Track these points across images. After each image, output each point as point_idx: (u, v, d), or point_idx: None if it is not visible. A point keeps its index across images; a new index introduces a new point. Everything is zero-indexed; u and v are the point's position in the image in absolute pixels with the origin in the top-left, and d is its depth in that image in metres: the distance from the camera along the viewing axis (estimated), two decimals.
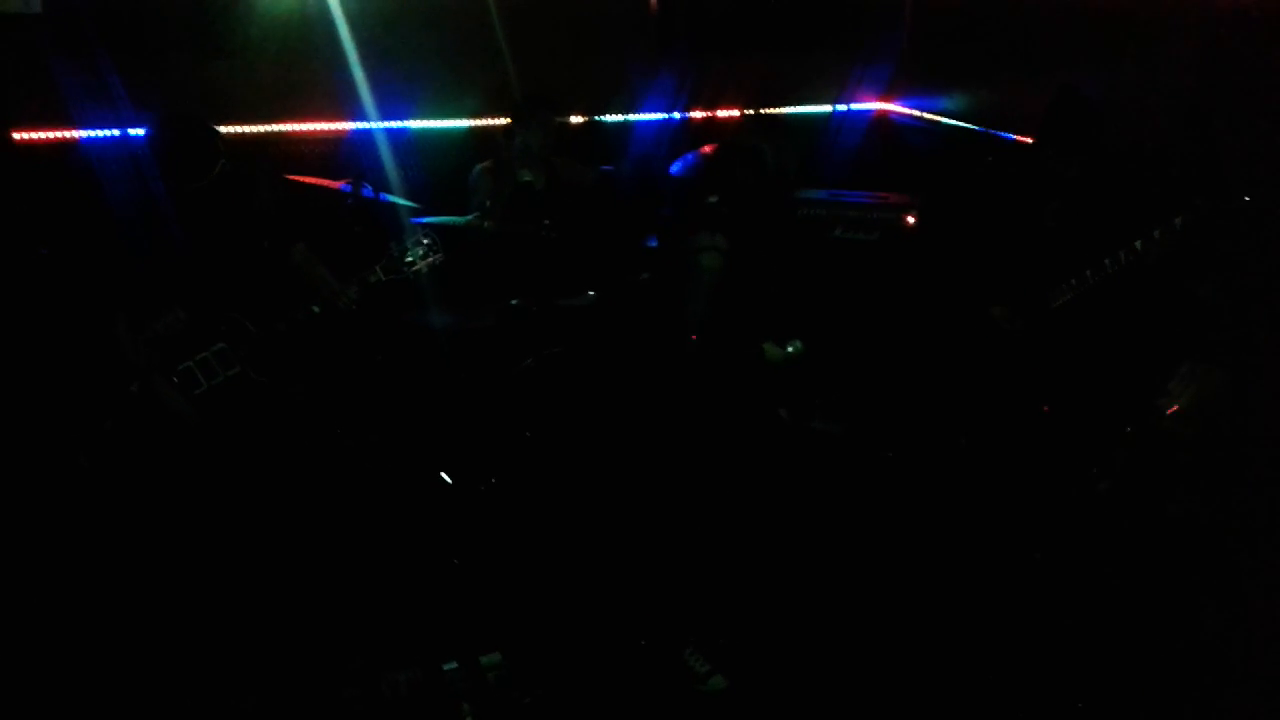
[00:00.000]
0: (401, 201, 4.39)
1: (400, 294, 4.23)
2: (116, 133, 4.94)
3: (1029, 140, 4.39)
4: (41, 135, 4.90)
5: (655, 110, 6.32)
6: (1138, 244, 3.83)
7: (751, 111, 6.03)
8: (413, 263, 3.99)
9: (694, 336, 5.08)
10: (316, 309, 3.87)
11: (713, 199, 5.13)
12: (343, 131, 5.55)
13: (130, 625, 3.39)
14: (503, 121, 5.00)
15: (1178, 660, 3.38)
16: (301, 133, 5.49)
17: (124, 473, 3.64)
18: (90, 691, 3.15)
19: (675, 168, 5.53)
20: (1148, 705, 3.26)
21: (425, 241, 4.01)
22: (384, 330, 4.44)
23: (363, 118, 5.45)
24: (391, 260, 3.97)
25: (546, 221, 4.47)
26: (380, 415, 4.38)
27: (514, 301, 4.70)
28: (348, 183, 4.11)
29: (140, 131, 4.85)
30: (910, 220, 5.41)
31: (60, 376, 3.79)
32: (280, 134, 5.41)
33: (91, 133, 4.94)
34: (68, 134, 4.93)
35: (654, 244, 5.58)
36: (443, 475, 4.22)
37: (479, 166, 4.97)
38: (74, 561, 3.58)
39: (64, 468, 3.61)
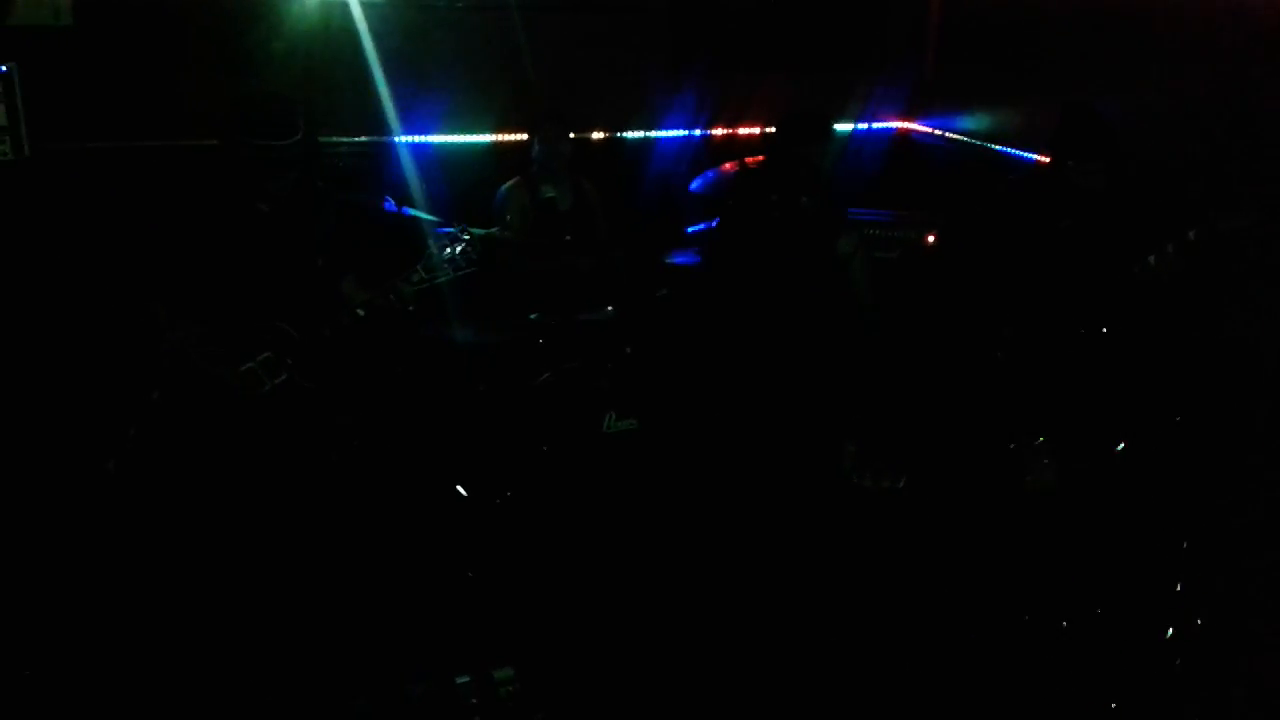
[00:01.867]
0: (425, 215, 4.41)
1: (439, 299, 4.22)
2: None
3: (1047, 160, 4.36)
4: (69, 145, 5.00)
5: (676, 128, 6.35)
6: (1151, 259, 3.81)
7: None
8: (453, 260, 3.93)
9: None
10: (362, 313, 3.84)
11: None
12: (366, 145, 5.62)
13: (143, 629, 3.41)
14: (523, 137, 5.02)
15: (1176, 660, 3.37)
16: (326, 144, 5.56)
17: (150, 478, 3.65)
18: (104, 696, 3.17)
19: (695, 185, 5.54)
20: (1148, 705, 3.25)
21: (466, 238, 3.95)
22: (404, 344, 4.46)
23: (386, 132, 5.51)
24: (431, 259, 3.91)
25: (568, 238, 4.48)
26: (398, 427, 4.40)
27: (533, 316, 4.72)
28: (386, 199, 4.12)
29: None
30: (930, 239, 5.41)
31: (85, 383, 3.82)
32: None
33: (120, 143, 5.05)
34: (95, 144, 5.04)
35: (679, 260, 5.59)
36: (459, 488, 4.23)
37: (506, 184, 5.00)
38: (97, 565, 3.61)
39: (92, 473, 3.63)
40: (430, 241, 3.96)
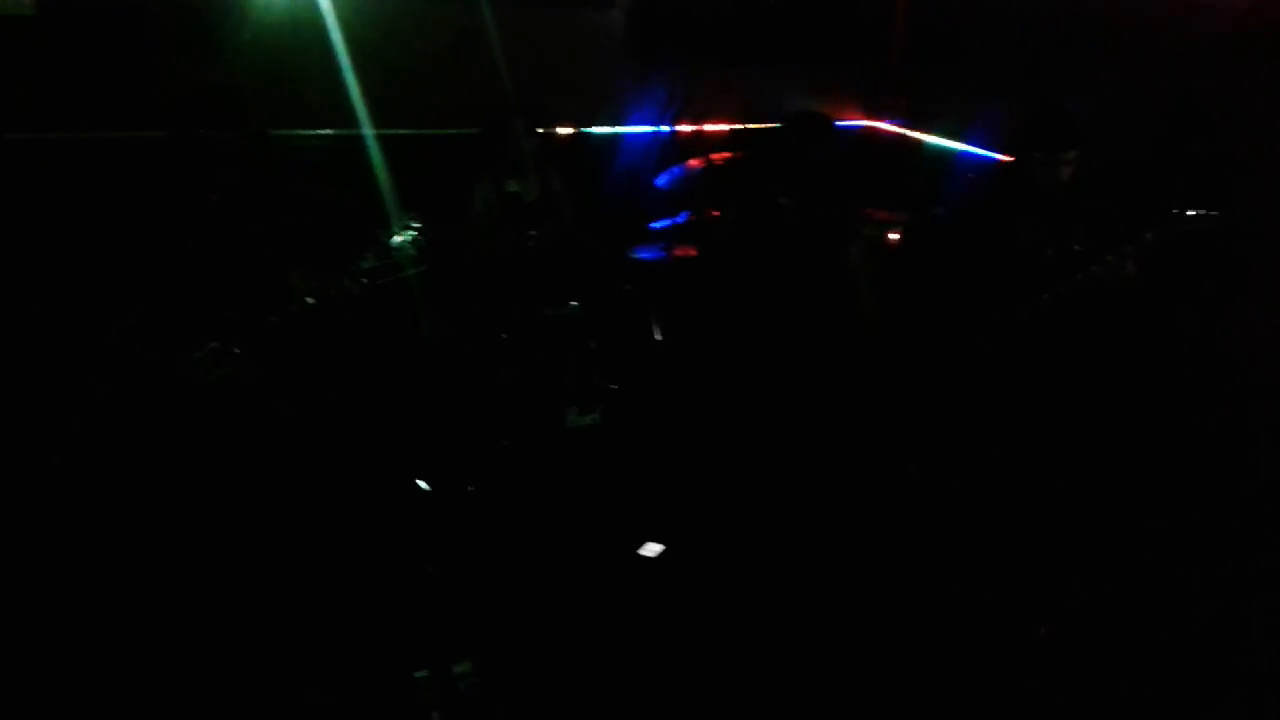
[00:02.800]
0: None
1: (391, 287, 4.21)
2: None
3: (1011, 159, 4.41)
4: (32, 136, 4.95)
5: (642, 123, 6.36)
6: (1109, 258, 3.86)
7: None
8: (401, 248, 3.93)
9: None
10: (311, 300, 3.84)
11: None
12: (332, 137, 5.59)
13: (99, 629, 3.39)
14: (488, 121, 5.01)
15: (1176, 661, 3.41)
16: (291, 138, 5.54)
17: (97, 472, 3.63)
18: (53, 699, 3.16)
19: (662, 181, 5.55)
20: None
21: (414, 227, 3.96)
22: (367, 338, 4.44)
23: (352, 124, 5.49)
24: (382, 246, 3.91)
25: (532, 232, 4.48)
26: (359, 420, 4.38)
27: (498, 310, 4.72)
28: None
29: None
30: (894, 237, 5.44)
31: (28, 377, 3.78)
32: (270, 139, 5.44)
33: (83, 134, 4.99)
34: (58, 135, 4.99)
35: (644, 256, 5.60)
36: (419, 483, 4.23)
37: (472, 178, 4.99)
38: (45, 562, 3.58)
39: (37, 468, 3.60)
40: (380, 231, 3.95)
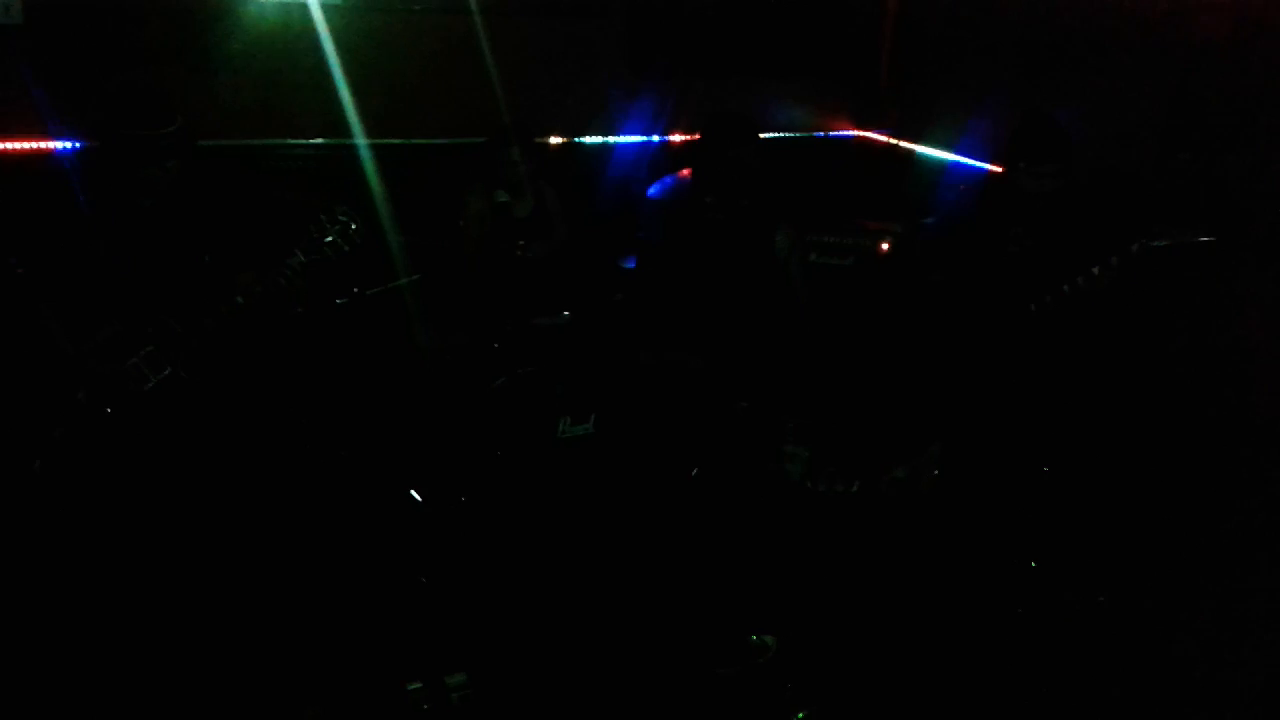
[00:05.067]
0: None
1: (328, 277, 4.15)
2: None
3: (999, 169, 4.43)
4: (18, 146, 4.94)
5: (634, 133, 6.38)
6: (1095, 270, 3.89)
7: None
8: (332, 241, 3.88)
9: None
10: (241, 300, 3.80)
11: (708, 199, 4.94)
12: (324, 147, 5.60)
13: (76, 636, 3.38)
14: (481, 140, 5.03)
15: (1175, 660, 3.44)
16: (283, 147, 5.55)
17: (78, 477, 3.62)
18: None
19: (653, 191, 5.57)
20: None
21: (342, 219, 3.90)
22: (355, 347, 4.45)
23: (345, 134, 5.49)
24: (310, 241, 3.87)
25: (521, 242, 4.50)
26: (350, 431, 4.39)
27: (489, 320, 4.72)
28: None
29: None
30: (884, 247, 5.47)
31: (8, 384, 3.78)
32: (261, 148, 5.45)
33: (68, 144, 4.98)
34: (44, 145, 4.98)
35: (631, 265, 5.62)
36: (412, 493, 4.23)
37: (465, 189, 5.00)
38: (26, 567, 3.57)
39: (18, 474, 3.59)
40: (310, 225, 3.89)
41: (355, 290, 4.07)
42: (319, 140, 5.64)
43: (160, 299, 3.71)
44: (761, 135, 5.23)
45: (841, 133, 7.04)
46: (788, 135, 6.86)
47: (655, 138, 6.43)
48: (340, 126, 5.44)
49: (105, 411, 3.62)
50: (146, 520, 3.67)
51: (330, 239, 3.86)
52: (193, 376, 3.75)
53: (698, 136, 5.38)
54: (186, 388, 3.74)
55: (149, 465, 3.70)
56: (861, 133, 7.07)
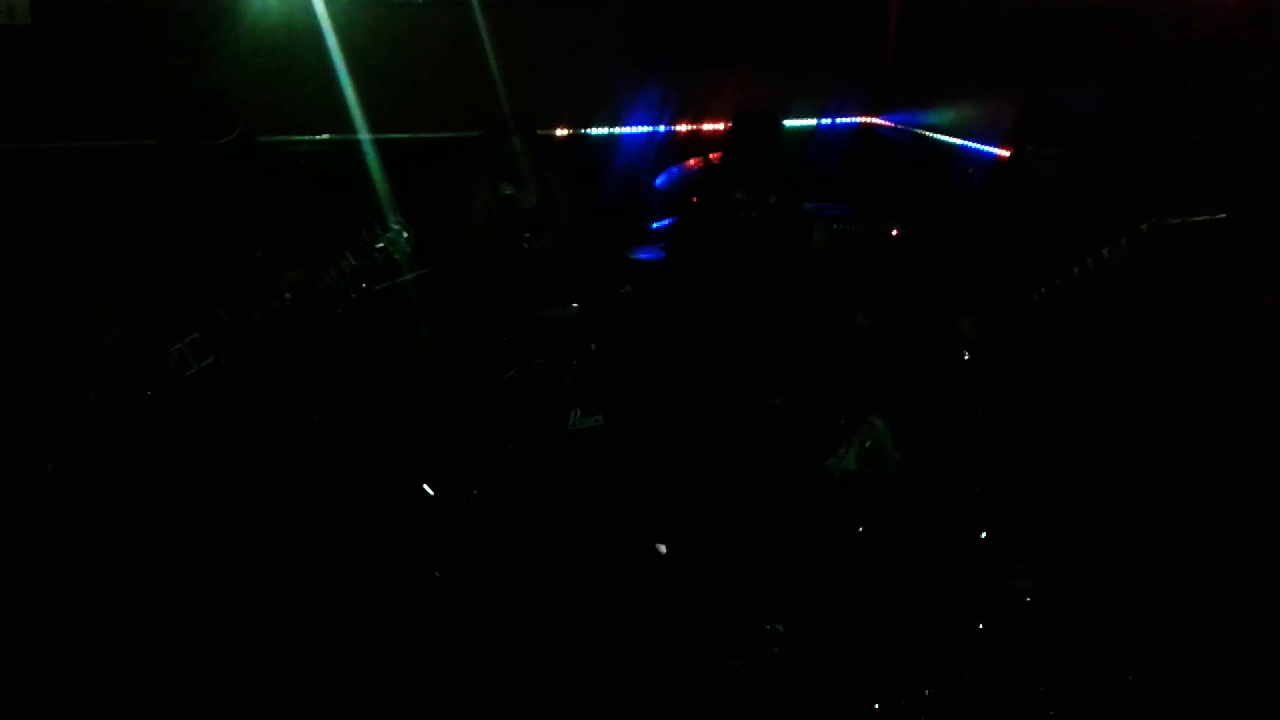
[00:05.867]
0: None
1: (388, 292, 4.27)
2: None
3: (1007, 153, 4.40)
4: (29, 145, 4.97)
5: (639, 124, 6.37)
6: (1105, 252, 3.86)
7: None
8: (383, 248, 3.99)
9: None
10: (289, 295, 3.87)
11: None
12: (329, 142, 5.61)
13: (86, 632, 3.40)
14: (485, 134, 5.03)
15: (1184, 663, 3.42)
16: (288, 143, 5.55)
17: (91, 478, 3.65)
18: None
19: (660, 181, 5.57)
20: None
21: (394, 227, 4.01)
22: (368, 340, 4.46)
23: (349, 129, 5.50)
24: (362, 246, 3.98)
25: (527, 234, 4.50)
26: (363, 424, 4.40)
27: (498, 313, 4.73)
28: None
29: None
30: (894, 232, 5.46)
31: (20, 386, 3.81)
32: (266, 145, 5.45)
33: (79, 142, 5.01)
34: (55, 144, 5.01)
35: (644, 256, 5.62)
36: (424, 487, 4.24)
37: (471, 182, 5.00)
38: (40, 568, 3.59)
39: (31, 475, 3.62)
40: (363, 230, 4.00)
41: (364, 285, 4.09)
42: (325, 135, 5.64)
43: (211, 290, 3.81)
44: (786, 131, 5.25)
45: (849, 120, 7.01)
46: (795, 123, 6.83)
47: (660, 128, 6.41)
48: (344, 121, 5.44)
49: (145, 394, 3.69)
50: (164, 511, 3.70)
51: (381, 245, 3.98)
52: (233, 367, 3.83)
53: (725, 134, 5.40)
54: (225, 377, 3.82)
55: (178, 451, 3.75)
56: (869, 119, 7.03)
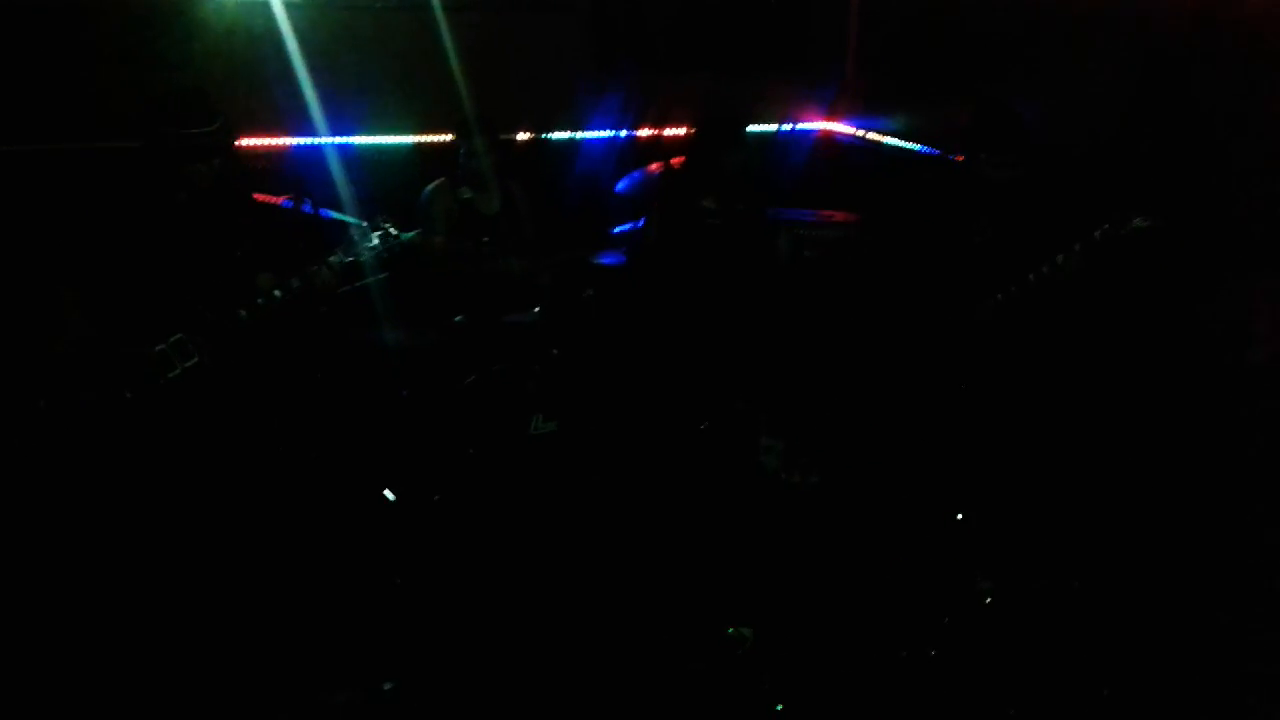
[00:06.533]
0: (346, 218, 4.39)
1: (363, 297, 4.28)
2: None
3: (962, 158, 4.46)
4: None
5: (601, 129, 6.37)
6: (1059, 258, 3.92)
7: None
8: (374, 246, 3.99)
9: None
10: (278, 294, 3.85)
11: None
12: (288, 146, 5.56)
13: (50, 639, 3.36)
14: (448, 138, 5.01)
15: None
16: (247, 148, 5.49)
17: (41, 485, 3.60)
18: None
19: (621, 186, 5.57)
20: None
21: (384, 226, 4.02)
22: (327, 346, 4.43)
23: (309, 132, 5.46)
24: (351, 244, 3.98)
25: (486, 239, 4.50)
26: (323, 431, 4.36)
27: (458, 318, 4.71)
28: (288, 198, 4.11)
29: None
30: (849, 239, 5.48)
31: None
32: None
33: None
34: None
35: (605, 261, 5.61)
36: (386, 492, 4.22)
37: (431, 185, 4.98)
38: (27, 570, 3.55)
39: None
40: (352, 229, 4.02)
41: (328, 274, 4.05)
42: (284, 139, 5.59)
43: (194, 290, 3.79)
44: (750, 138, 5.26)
45: (808, 125, 7.06)
46: (756, 129, 6.86)
47: (623, 132, 6.42)
48: (304, 124, 5.40)
49: (125, 396, 3.62)
50: (144, 512, 3.65)
51: (372, 244, 3.98)
52: (216, 367, 3.79)
53: (688, 139, 5.38)
54: (208, 378, 3.78)
55: (161, 452, 3.71)
56: (829, 125, 7.09)
